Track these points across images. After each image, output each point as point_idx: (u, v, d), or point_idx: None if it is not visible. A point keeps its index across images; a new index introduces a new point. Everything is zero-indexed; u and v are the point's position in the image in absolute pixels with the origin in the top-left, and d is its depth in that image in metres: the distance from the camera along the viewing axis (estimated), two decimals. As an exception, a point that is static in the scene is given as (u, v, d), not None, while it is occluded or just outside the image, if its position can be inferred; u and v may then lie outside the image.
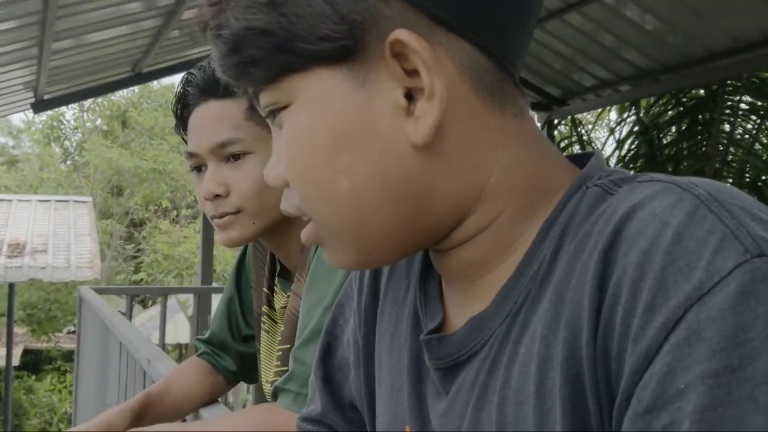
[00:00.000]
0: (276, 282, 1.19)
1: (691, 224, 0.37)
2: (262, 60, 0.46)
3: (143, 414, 1.14)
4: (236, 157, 1.02)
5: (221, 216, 1.03)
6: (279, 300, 1.17)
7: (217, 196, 1.02)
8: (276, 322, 1.18)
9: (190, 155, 1.06)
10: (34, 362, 13.05)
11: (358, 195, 0.46)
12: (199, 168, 1.06)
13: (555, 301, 0.42)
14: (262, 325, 1.20)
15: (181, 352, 12.04)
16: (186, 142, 1.08)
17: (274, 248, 1.14)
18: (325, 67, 0.45)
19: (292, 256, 1.11)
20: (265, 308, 1.20)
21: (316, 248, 0.98)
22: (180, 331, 11.23)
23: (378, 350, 0.60)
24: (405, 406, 0.54)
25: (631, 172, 0.47)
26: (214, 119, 1.03)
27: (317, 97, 0.46)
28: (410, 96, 0.45)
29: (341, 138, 0.46)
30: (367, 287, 0.63)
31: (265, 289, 1.20)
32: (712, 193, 0.38)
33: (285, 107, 0.48)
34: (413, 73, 0.45)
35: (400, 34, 0.44)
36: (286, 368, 1.04)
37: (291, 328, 1.05)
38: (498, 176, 0.47)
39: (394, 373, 0.57)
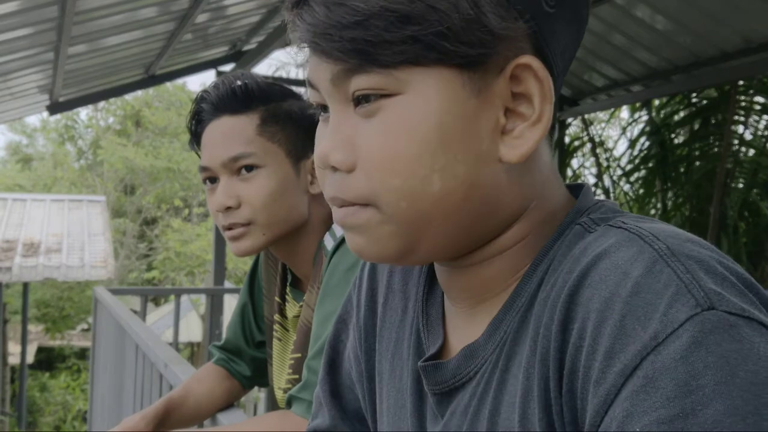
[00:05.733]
0: (287, 291, 1.21)
1: (649, 276, 0.39)
2: (390, 44, 0.45)
3: (165, 418, 1.18)
4: (248, 170, 1.05)
5: (232, 227, 1.06)
6: (291, 309, 1.20)
7: (228, 208, 1.05)
8: (288, 331, 1.21)
9: (204, 169, 1.09)
10: (48, 360, 13.17)
11: (443, 196, 0.47)
12: (211, 180, 1.09)
13: (533, 335, 0.45)
14: (273, 332, 1.23)
15: (192, 350, 12.11)
16: (199, 156, 1.11)
17: (284, 258, 1.17)
18: (449, 69, 0.46)
19: (303, 266, 1.14)
20: (276, 316, 1.22)
21: (329, 261, 1.01)
22: (192, 329, 11.28)
23: (379, 368, 0.62)
24: (408, 424, 0.57)
25: (615, 206, 0.50)
26: (227, 134, 1.06)
27: (434, 95, 0.46)
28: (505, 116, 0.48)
29: (447, 139, 0.46)
30: (365, 304, 0.64)
31: (276, 298, 1.22)
32: (671, 247, 0.41)
33: (390, 95, 0.46)
34: (518, 96, 0.47)
35: (532, 60, 0.46)
36: (298, 376, 1.07)
37: (303, 337, 1.08)
38: (536, 204, 0.51)
39: (396, 391, 0.59)
